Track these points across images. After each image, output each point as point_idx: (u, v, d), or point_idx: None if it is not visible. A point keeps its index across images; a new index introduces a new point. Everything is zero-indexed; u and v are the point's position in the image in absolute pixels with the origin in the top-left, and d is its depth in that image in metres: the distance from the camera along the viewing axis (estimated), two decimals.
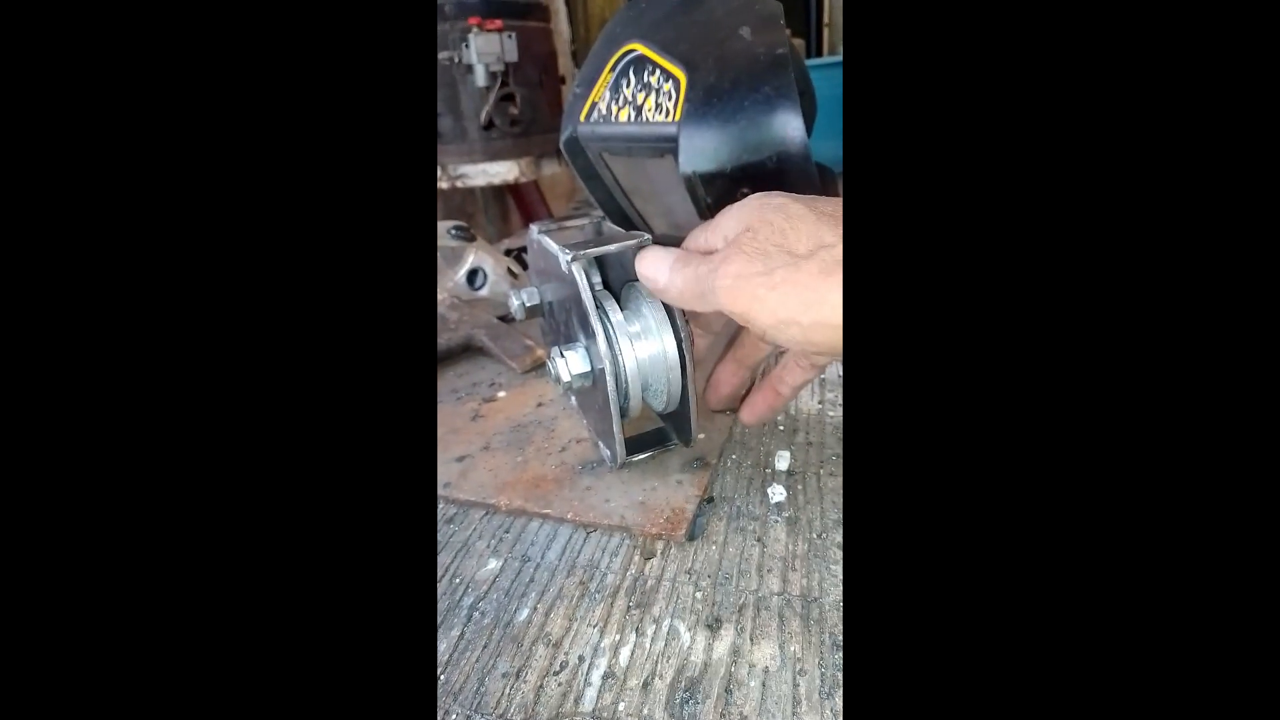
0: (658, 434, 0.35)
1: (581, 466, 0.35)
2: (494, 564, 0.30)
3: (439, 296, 0.59)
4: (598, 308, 0.30)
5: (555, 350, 0.32)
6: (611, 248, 0.32)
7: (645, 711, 0.22)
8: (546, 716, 0.23)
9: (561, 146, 0.70)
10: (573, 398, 0.39)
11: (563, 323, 0.36)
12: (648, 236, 0.33)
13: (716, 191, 0.57)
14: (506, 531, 0.32)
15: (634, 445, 0.34)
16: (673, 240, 0.72)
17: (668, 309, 0.31)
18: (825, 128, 0.68)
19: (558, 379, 0.31)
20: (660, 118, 0.59)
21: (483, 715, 0.23)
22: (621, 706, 0.23)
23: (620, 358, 0.31)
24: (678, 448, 0.35)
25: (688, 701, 0.23)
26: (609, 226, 0.43)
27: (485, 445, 0.38)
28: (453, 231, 0.61)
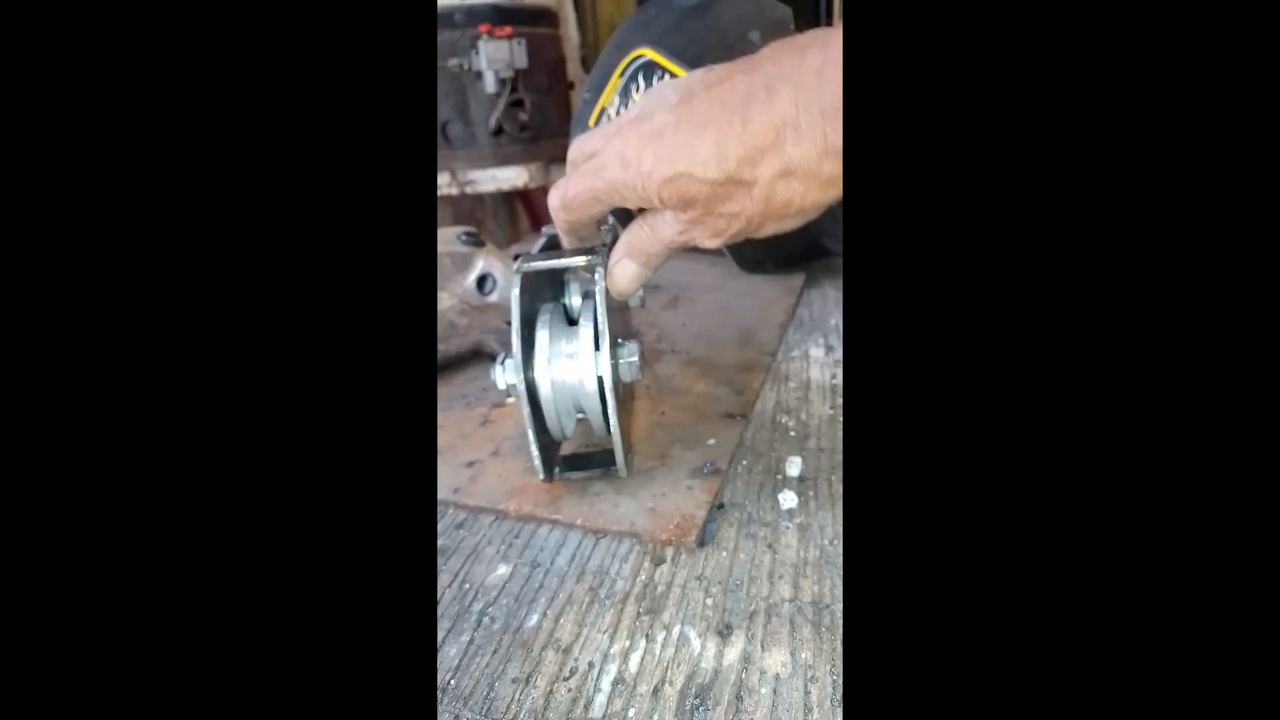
0: (603, 456, 0.34)
1: (592, 473, 0.35)
2: (504, 569, 0.30)
3: (449, 303, 0.60)
4: (524, 324, 0.30)
5: (500, 357, 0.32)
6: (558, 262, 0.31)
7: (655, 718, 0.22)
8: None
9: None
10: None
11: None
12: (598, 259, 0.31)
13: None
14: (516, 537, 0.32)
15: (573, 464, 0.34)
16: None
17: (596, 333, 0.31)
18: None
19: (495, 385, 0.32)
20: None
21: (494, 719, 0.23)
22: (632, 713, 0.23)
23: (535, 378, 0.31)
24: (683, 457, 0.35)
25: (698, 708, 0.22)
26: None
27: (495, 450, 0.38)
28: (462, 237, 0.61)
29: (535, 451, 0.31)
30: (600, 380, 0.30)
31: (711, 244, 0.28)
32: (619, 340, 0.32)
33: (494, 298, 0.62)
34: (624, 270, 0.30)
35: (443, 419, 0.42)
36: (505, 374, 0.31)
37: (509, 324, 0.57)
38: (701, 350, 0.49)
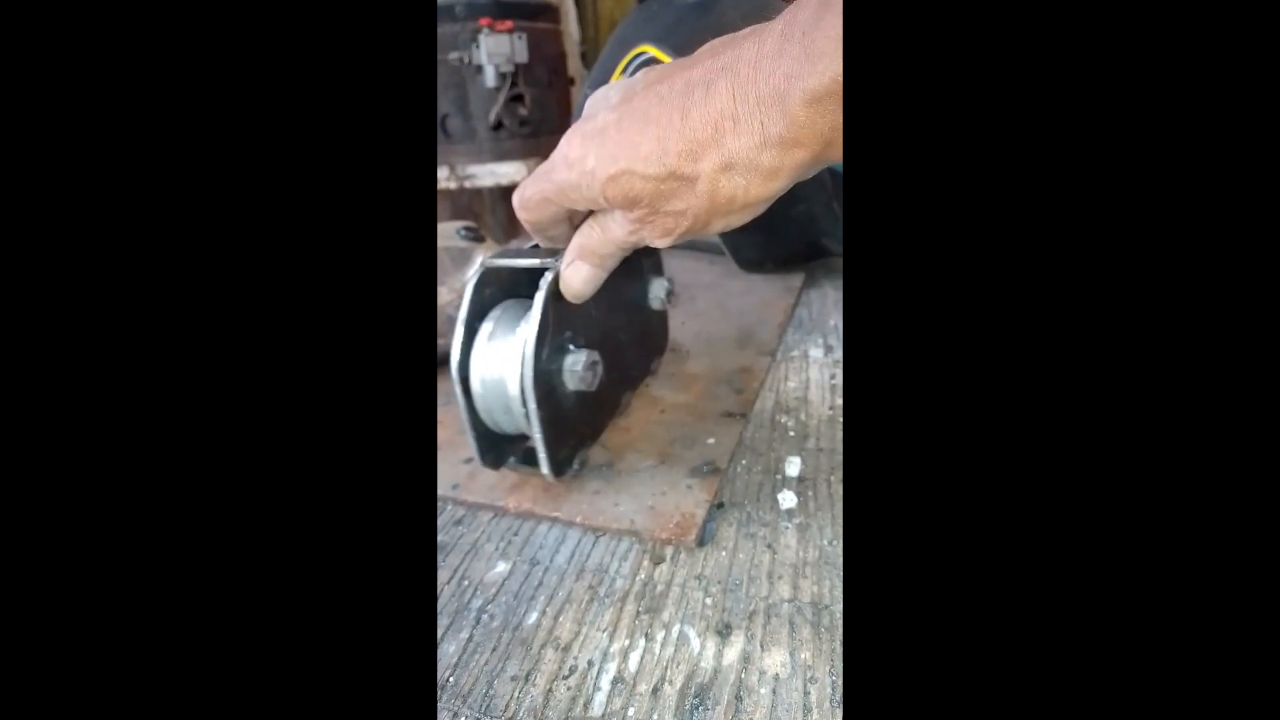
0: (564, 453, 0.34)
1: (590, 470, 0.35)
2: (503, 566, 0.30)
3: (448, 297, 0.60)
4: (475, 317, 0.31)
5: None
6: (514, 262, 0.31)
7: (655, 717, 0.22)
8: None
9: None
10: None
11: None
12: (556, 267, 0.31)
13: None
14: (515, 534, 0.32)
15: (528, 458, 0.33)
16: (685, 243, 0.72)
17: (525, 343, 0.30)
18: None
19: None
20: None
21: (491, 718, 0.23)
22: (631, 712, 0.23)
23: (469, 371, 0.31)
24: (683, 456, 0.35)
25: (698, 708, 0.23)
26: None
27: None
28: (461, 232, 0.61)
29: (472, 441, 0.32)
30: (521, 381, 0.29)
31: (662, 243, 0.27)
32: (569, 346, 0.31)
33: None
34: (576, 272, 0.29)
35: (442, 415, 0.42)
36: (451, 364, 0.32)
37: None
38: (701, 349, 0.49)
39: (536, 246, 0.33)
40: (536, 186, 0.29)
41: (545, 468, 0.31)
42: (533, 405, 0.29)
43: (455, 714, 0.23)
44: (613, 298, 0.34)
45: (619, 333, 0.37)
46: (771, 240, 0.60)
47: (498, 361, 0.31)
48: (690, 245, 0.71)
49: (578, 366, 0.31)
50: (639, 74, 0.27)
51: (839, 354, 0.48)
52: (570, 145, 0.27)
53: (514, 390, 0.30)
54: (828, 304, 0.58)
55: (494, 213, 1.22)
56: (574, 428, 0.33)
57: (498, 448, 0.33)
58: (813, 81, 0.21)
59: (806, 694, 0.23)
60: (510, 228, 1.24)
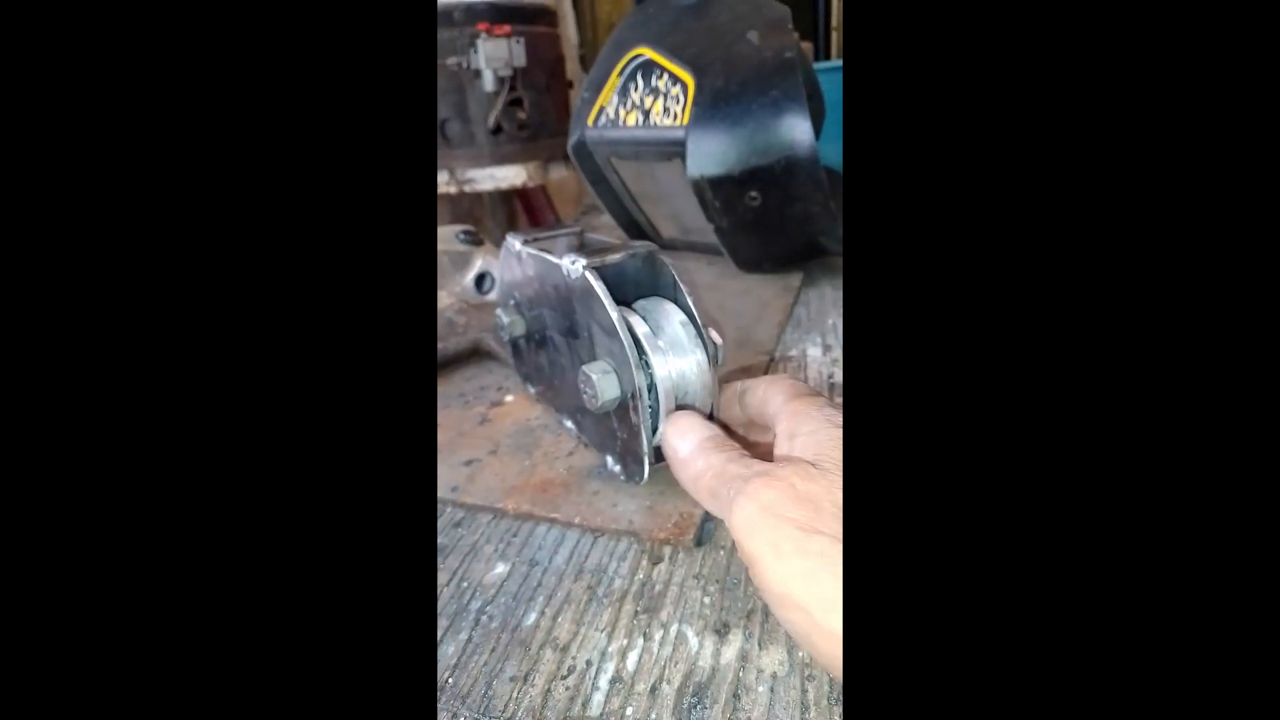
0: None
1: (589, 471, 0.35)
2: (502, 568, 0.30)
3: (447, 301, 0.60)
4: (624, 320, 0.29)
5: (587, 369, 0.30)
6: (619, 256, 0.31)
7: (653, 716, 0.22)
8: None
9: (570, 151, 0.70)
10: (567, 420, 0.38)
11: (568, 352, 0.35)
12: (653, 246, 0.32)
13: (724, 195, 0.57)
14: (514, 535, 0.32)
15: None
16: (683, 244, 0.73)
17: (694, 324, 0.31)
18: (834, 131, 0.68)
19: (594, 395, 0.30)
20: (668, 121, 0.59)
21: (490, 718, 0.23)
22: (629, 711, 0.23)
23: (654, 375, 0.30)
24: None
25: (695, 706, 0.23)
26: (592, 237, 0.41)
27: (493, 449, 0.38)
28: (461, 235, 0.61)
29: (648, 461, 0.30)
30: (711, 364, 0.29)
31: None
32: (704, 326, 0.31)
33: (493, 296, 0.63)
34: (677, 447, 0.27)
35: (441, 418, 0.42)
36: (606, 386, 0.30)
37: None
38: None
39: (541, 238, 0.33)
40: (703, 490, 0.25)
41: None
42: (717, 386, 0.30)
43: (454, 715, 0.23)
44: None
45: None
46: (769, 240, 0.60)
47: (678, 358, 0.30)
48: (688, 245, 0.71)
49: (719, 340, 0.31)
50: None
51: (837, 353, 0.48)
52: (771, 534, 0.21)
53: (708, 376, 0.30)
54: (826, 303, 0.58)
55: (494, 216, 1.22)
56: None
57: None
58: None
59: (804, 692, 0.23)
60: (511, 226, 1.24)
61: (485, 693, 0.24)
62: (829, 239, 0.59)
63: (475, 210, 1.30)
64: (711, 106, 0.56)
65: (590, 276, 0.30)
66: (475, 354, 0.52)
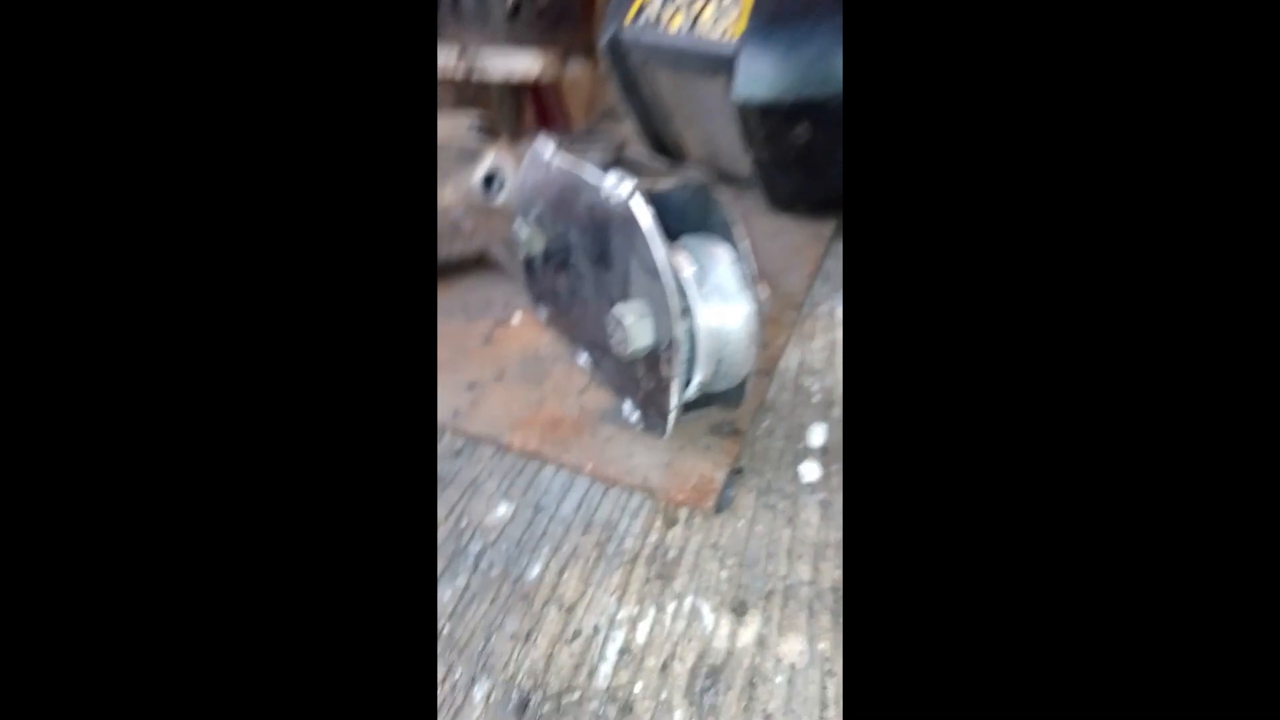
0: (704, 398, 0.31)
1: (603, 414, 0.32)
2: (504, 509, 0.28)
3: (452, 198, 0.55)
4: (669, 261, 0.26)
5: (616, 311, 0.27)
6: (670, 184, 0.28)
7: (663, 696, 0.21)
8: (558, 688, 0.21)
9: (603, 49, 0.63)
10: (582, 354, 0.35)
11: (595, 283, 0.31)
12: (700, 176, 0.28)
13: (770, 126, 0.52)
14: (519, 474, 0.29)
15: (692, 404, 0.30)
16: (709, 169, 0.66)
17: (746, 272, 0.27)
18: None
19: (623, 339, 0.27)
20: (718, 33, 0.53)
21: (489, 676, 0.21)
22: (638, 688, 0.21)
23: (695, 325, 0.27)
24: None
25: (709, 690, 0.21)
26: (632, 154, 0.37)
27: (499, 374, 0.35)
28: (473, 125, 0.55)
29: (673, 414, 0.28)
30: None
31: None
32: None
33: (501, 200, 0.58)
34: None
35: (441, 330, 0.39)
36: (640, 331, 0.27)
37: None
38: None
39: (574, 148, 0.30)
40: None
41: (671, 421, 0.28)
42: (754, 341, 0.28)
43: (451, 666, 0.21)
44: None
45: None
46: (811, 180, 0.56)
47: (724, 305, 0.27)
48: (719, 174, 0.66)
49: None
50: None
51: None
52: None
53: (753, 328, 0.28)
54: None
55: (500, 110, 1.13)
56: None
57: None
58: None
59: (824, 688, 0.21)
60: (518, 122, 1.16)
61: (484, 647, 0.22)
62: None
63: (482, 100, 1.20)
64: (770, 22, 0.50)
65: (636, 206, 0.26)
66: (480, 263, 0.48)
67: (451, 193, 0.56)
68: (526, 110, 1.21)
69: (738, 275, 0.28)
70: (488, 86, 1.12)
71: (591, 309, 0.32)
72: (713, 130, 0.60)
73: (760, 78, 0.50)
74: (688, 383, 0.28)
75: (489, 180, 0.57)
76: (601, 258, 0.30)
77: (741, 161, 0.57)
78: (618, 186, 0.27)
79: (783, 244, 0.54)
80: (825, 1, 0.48)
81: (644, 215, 0.26)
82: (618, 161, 0.36)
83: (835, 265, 0.53)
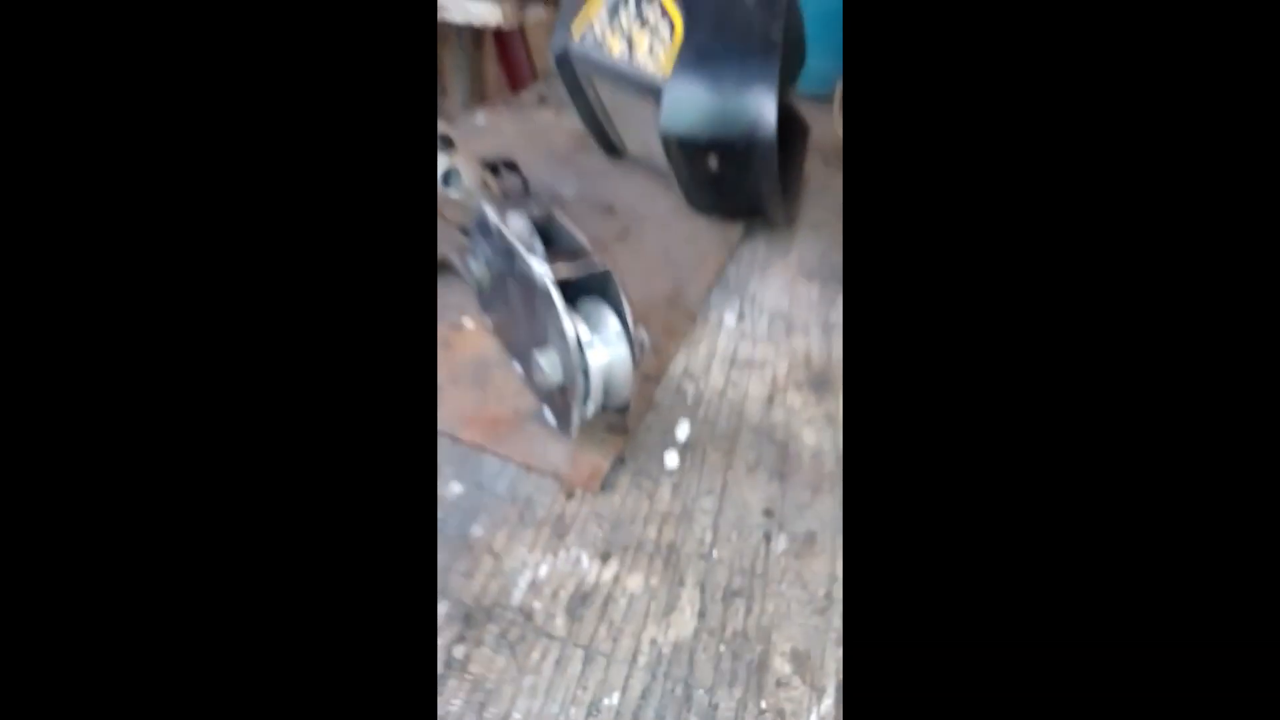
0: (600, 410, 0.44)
1: (530, 414, 0.45)
2: (457, 488, 0.40)
3: None
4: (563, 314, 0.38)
5: (536, 353, 0.39)
6: (581, 273, 0.39)
7: (550, 611, 0.35)
8: (487, 605, 0.35)
9: (552, 58, 0.70)
10: (516, 363, 0.47)
11: (525, 321, 0.43)
12: (607, 266, 0.40)
13: (688, 153, 0.62)
14: (467, 461, 0.42)
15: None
16: (645, 163, 0.78)
17: (627, 330, 0.39)
18: (820, 45, 0.71)
19: (542, 375, 0.39)
20: (651, 64, 0.61)
21: (446, 599, 0.35)
22: (537, 605, 0.35)
23: (589, 367, 0.39)
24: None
25: (579, 607, 0.35)
26: (560, 223, 0.46)
27: (453, 377, 0.47)
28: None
29: (574, 427, 0.41)
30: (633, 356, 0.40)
31: None
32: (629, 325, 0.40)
33: (456, 195, 0.66)
34: None
35: None
36: (552, 369, 0.39)
37: (464, 232, 0.60)
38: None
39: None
40: None
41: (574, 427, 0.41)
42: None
43: None
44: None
45: None
46: (720, 197, 0.66)
47: (607, 349, 0.40)
48: (650, 166, 0.75)
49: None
50: None
51: (748, 324, 0.57)
52: None
53: (628, 367, 0.40)
54: (755, 263, 0.66)
55: (456, 59, 1.16)
56: None
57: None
58: None
59: (648, 609, 0.36)
60: (473, 79, 1.19)
61: (442, 581, 0.36)
62: (772, 210, 0.65)
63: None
64: (693, 65, 0.58)
65: (553, 290, 0.37)
66: (441, 269, 0.58)
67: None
68: (486, 60, 1.24)
69: (621, 332, 0.40)
70: (445, 36, 1.14)
71: (522, 335, 0.44)
72: (646, 136, 0.69)
73: (680, 115, 0.59)
74: (585, 404, 0.41)
75: (447, 176, 0.66)
76: (529, 308, 0.42)
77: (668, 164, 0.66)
78: (543, 271, 0.38)
79: (694, 250, 0.65)
80: (738, 54, 0.57)
81: (558, 298, 0.37)
82: (549, 221, 0.46)
83: (735, 271, 0.64)
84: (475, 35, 1.18)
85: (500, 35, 1.21)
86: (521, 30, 1.24)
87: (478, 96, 1.21)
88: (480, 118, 0.90)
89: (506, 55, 1.22)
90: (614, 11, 0.64)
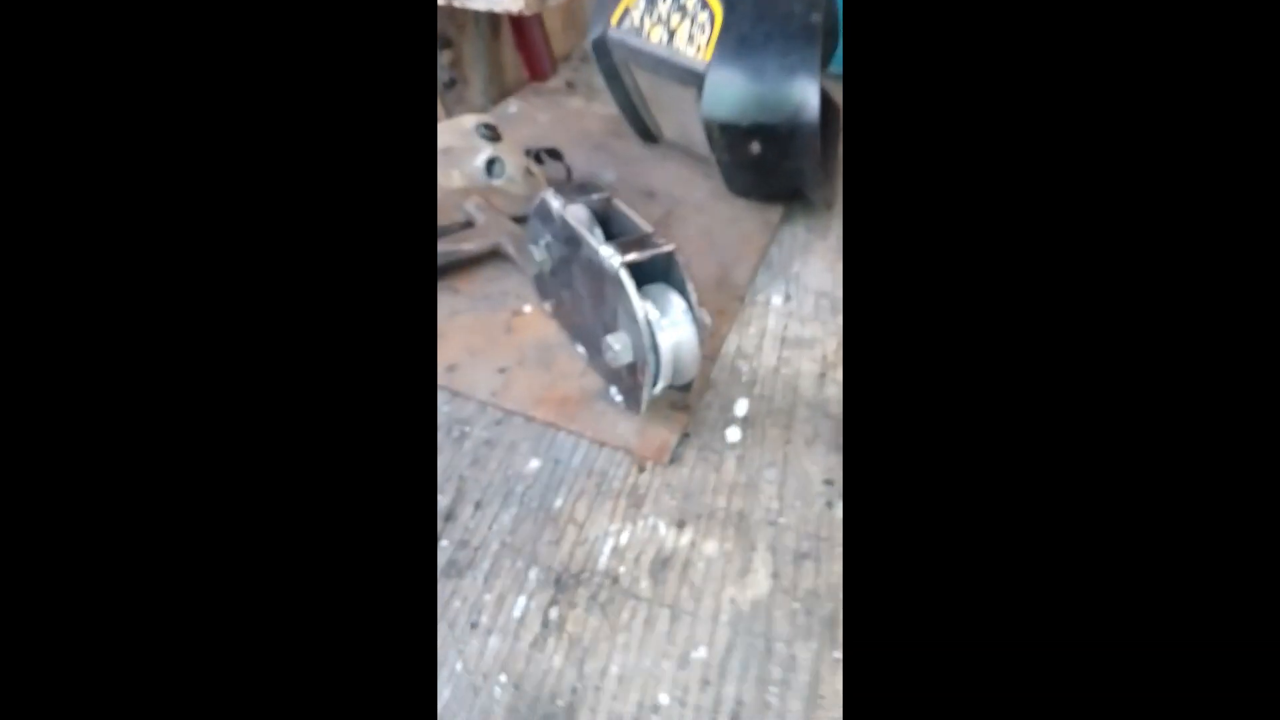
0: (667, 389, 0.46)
1: (596, 393, 0.47)
2: (535, 463, 0.43)
3: (460, 182, 0.65)
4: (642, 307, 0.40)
5: (608, 335, 0.42)
6: (649, 254, 0.41)
7: (635, 574, 0.37)
8: (575, 570, 0.37)
9: (590, 46, 0.71)
10: (580, 346, 0.49)
11: (591, 305, 0.45)
12: (672, 246, 0.42)
13: (729, 138, 0.63)
14: (542, 438, 0.45)
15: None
16: (682, 148, 0.80)
17: (692, 310, 0.41)
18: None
19: (613, 354, 0.41)
20: (691, 51, 0.62)
21: (537, 565, 0.37)
22: (622, 569, 0.38)
23: (659, 347, 0.41)
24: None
25: (660, 570, 0.38)
26: (618, 208, 0.48)
27: (520, 359, 0.49)
28: (480, 130, 0.65)
29: (645, 405, 0.44)
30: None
31: None
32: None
33: (500, 182, 0.68)
34: None
35: (471, 321, 0.52)
36: (624, 352, 0.41)
37: (517, 219, 0.61)
38: None
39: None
40: None
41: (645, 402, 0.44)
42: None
43: (514, 561, 0.37)
44: None
45: None
46: (761, 181, 0.68)
47: (674, 331, 0.42)
48: (687, 151, 0.76)
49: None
50: None
51: (795, 304, 0.59)
52: None
53: (696, 347, 0.42)
54: (796, 245, 0.67)
55: (474, 44, 1.16)
56: None
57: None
58: None
59: (725, 571, 0.38)
60: (491, 65, 1.19)
61: (531, 550, 0.38)
62: (812, 191, 0.67)
63: (450, 32, 1.21)
64: (734, 52, 0.59)
65: (624, 275, 0.39)
66: (494, 255, 0.60)
67: (459, 176, 0.66)
68: (503, 48, 1.24)
69: (686, 312, 0.42)
70: (465, 26, 1.14)
71: (588, 320, 0.46)
72: (685, 123, 0.70)
73: (722, 100, 0.60)
74: (655, 380, 0.43)
75: (490, 164, 0.68)
76: (595, 293, 0.44)
77: (707, 148, 0.68)
78: (611, 257, 0.40)
79: (736, 232, 0.67)
80: (779, 41, 0.58)
81: (629, 282, 0.39)
82: (607, 207, 0.48)
83: (777, 253, 0.66)
84: (493, 23, 1.18)
85: (519, 22, 1.21)
86: (541, 21, 1.24)
87: (497, 85, 1.22)
88: (513, 106, 0.91)
89: (526, 43, 1.22)
90: (653, 1, 0.65)
